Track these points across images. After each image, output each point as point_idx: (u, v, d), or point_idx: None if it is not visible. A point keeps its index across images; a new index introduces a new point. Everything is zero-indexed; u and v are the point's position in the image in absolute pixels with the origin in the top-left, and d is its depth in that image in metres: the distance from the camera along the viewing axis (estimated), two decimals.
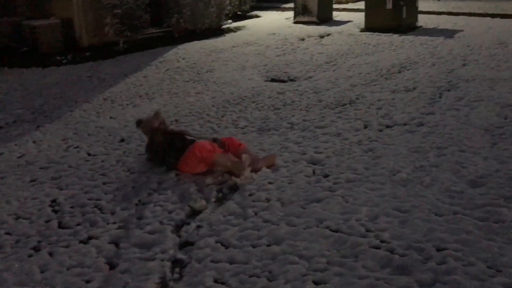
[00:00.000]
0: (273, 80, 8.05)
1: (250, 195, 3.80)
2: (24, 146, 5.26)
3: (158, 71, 8.81)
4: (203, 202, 3.68)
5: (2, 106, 6.95)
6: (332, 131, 5.18)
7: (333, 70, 8.36)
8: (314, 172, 4.15)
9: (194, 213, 3.62)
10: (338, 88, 7.08)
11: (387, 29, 11.37)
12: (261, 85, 7.63)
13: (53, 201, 3.93)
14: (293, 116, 5.86)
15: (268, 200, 3.70)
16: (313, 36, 11.52)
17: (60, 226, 3.55)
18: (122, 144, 5.18)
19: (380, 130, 5.15)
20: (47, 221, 3.61)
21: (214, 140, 4.49)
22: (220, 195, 3.85)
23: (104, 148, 5.09)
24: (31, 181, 4.34)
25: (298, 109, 6.14)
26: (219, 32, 12.80)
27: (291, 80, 7.96)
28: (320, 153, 4.56)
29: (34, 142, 5.38)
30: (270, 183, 3.99)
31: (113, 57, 10.26)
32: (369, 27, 11.82)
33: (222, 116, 6.04)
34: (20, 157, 4.97)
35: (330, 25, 12.85)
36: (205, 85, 7.76)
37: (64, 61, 9.81)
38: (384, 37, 10.89)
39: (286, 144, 4.87)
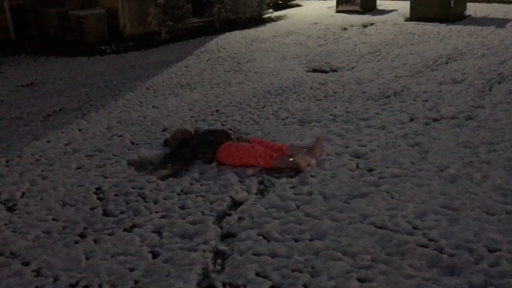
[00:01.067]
0: (314, 70, 7.94)
1: (292, 187, 3.75)
2: (70, 133, 5.37)
3: (199, 60, 8.84)
4: (245, 194, 3.66)
5: (50, 94, 7.14)
6: (376, 123, 5.05)
7: (377, 61, 8.17)
8: (357, 166, 4.06)
9: (235, 204, 3.61)
10: (382, 79, 6.91)
11: (434, 19, 11.02)
12: (302, 75, 7.54)
13: (98, 188, 3.99)
14: (335, 107, 5.76)
15: (310, 193, 3.64)
16: (356, 26, 11.29)
17: (105, 213, 3.61)
18: (165, 133, 5.22)
19: (427, 124, 4.99)
20: (92, 208, 3.67)
21: (238, 138, 4.47)
22: (261, 187, 3.82)
23: (147, 137, 5.14)
24: (77, 168, 4.43)
25: (340, 101, 6.03)
26: (260, 21, 12.73)
27: (333, 70, 7.82)
28: (364, 146, 4.46)
29: (80, 130, 5.49)
30: (312, 176, 3.92)
31: (156, 46, 10.37)
32: (414, 16, 11.49)
33: (263, 107, 6.00)
34: (66, 144, 5.08)
35: (374, 14, 12.57)
36: (246, 75, 7.73)
37: (108, 50, 9.98)
38: (430, 27, 10.55)
39: (329, 136, 4.78)
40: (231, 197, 3.66)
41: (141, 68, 8.53)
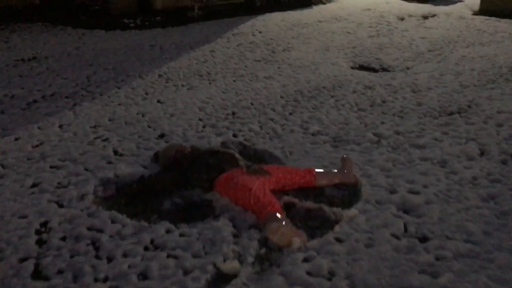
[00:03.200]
0: (361, 67, 6.64)
1: (306, 260, 2.56)
2: (47, 130, 4.35)
3: (228, 45, 7.66)
4: (235, 264, 2.50)
5: (47, 74, 6.16)
6: (435, 155, 3.76)
7: (438, 62, 6.77)
8: (406, 229, 2.82)
9: (219, 278, 2.45)
10: (444, 87, 5.55)
11: (509, 14, 9.34)
12: (345, 73, 6.25)
13: (44, 224, 2.94)
14: (382, 123, 4.49)
15: (331, 275, 2.45)
16: (415, 16, 9.79)
17: (36, 271, 2.55)
18: (160, 141, 4.11)
19: (504, 162, 3.66)
20: (21, 260, 2.62)
21: (248, 167, 3.25)
22: (263, 250, 2.64)
23: (136, 145, 4.05)
24: (32, 186, 3.40)
25: (389, 114, 4.74)
26: (306, 2, 11.37)
27: (384, 69, 6.50)
28: (417, 193, 3.20)
29: (60, 126, 4.47)
30: (338, 240, 2.72)
31: (185, 24, 9.27)
32: (485, 9, 9.83)
33: (290, 114, 4.79)
34: (36, 146, 4.06)
35: (436, 4, 10.97)
36: (278, 67, 6.51)
37: (131, 25, 8.94)
38: (505, 24, 8.95)
39: (369, 169, 3.54)
40: (215, 265, 2.51)
41: (161, 49, 7.44)
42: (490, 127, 4.36)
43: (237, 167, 3.23)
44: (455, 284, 2.34)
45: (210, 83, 5.82)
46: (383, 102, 5.09)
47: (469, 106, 4.92)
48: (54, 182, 3.41)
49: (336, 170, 3.41)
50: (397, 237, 2.73)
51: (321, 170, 3.38)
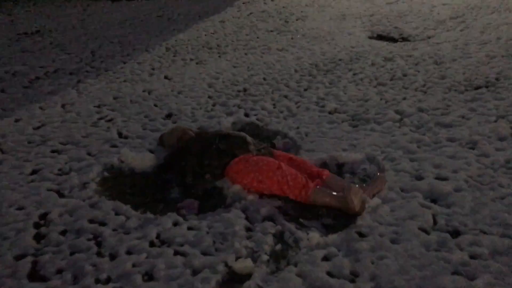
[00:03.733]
0: (379, 37, 6.28)
1: (326, 258, 2.33)
2: (49, 111, 4.13)
3: (239, 14, 7.31)
4: (248, 263, 2.28)
5: (50, 48, 5.90)
6: (463, 136, 3.47)
7: (461, 30, 6.37)
8: (435, 221, 2.57)
9: (230, 279, 2.24)
10: (469, 58, 5.19)
11: None
12: (363, 43, 5.91)
13: (44, 216, 2.74)
14: (404, 99, 4.19)
15: (354, 276, 2.22)
16: None
17: (33, 269, 2.36)
18: (167, 122, 3.87)
19: None
20: (17, 258, 2.43)
21: (259, 150, 3.02)
22: (278, 246, 2.42)
23: (142, 126, 3.81)
24: (32, 173, 3.19)
25: (411, 89, 4.43)
26: None
27: (404, 39, 6.14)
28: (445, 179, 2.94)
29: (63, 106, 4.24)
30: (360, 234, 2.48)
31: None
32: None
33: (305, 90, 4.50)
34: (38, 127, 3.85)
35: None
36: (292, 38, 6.17)
37: None
38: None
39: (392, 152, 3.27)
40: (226, 264, 2.30)
41: (169, 20, 7.11)
42: None
43: (247, 152, 2.98)
44: (493, 287, 2.09)
45: (220, 56, 5.52)
46: (404, 75, 4.77)
47: (497, 79, 4.58)
48: (55, 169, 3.21)
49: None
50: (426, 231, 2.48)
51: (334, 178, 2.90)
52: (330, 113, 4.01)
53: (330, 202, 2.63)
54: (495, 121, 3.69)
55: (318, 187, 2.72)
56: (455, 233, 2.47)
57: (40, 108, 4.21)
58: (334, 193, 2.66)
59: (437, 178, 2.94)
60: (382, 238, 2.43)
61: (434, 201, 2.76)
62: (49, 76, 5.00)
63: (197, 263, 2.31)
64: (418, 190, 2.83)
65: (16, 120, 3.97)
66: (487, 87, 4.40)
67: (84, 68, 5.19)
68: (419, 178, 2.96)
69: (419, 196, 2.77)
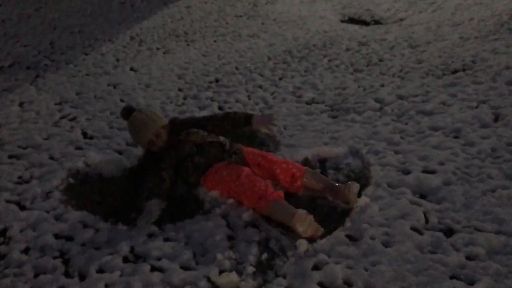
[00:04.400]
0: (351, 20, 6.13)
1: (316, 267, 2.17)
2: (5, 110, 3.82)
3: (206, 0, 7.01)
4: (233, 277, 2.09)
5: (5, 40, 5.51)
6: (446, 123, 3.35)
7: (433, 11, 6.27)
8: (427, 220, 2.43)
9: None
10: (443, 41, 5.08)
11: None
12: (336, 27, 5.74)
13: (3, 232, 2.47)
14: (382, 86, 4.05)
15: (348, 285, 2.07)
16: None
17: None
18: None
19: None
20: None
21: (229, 157, 2.78)
22: (264, 256, 2.24)
23: (108, 124, 3.55)
24: None
25: (389, 74, 4.29)
26: None
27: (376, 22, 6.00)
28: (433, 172, 2.81)
29: (20, 104, 3.92)
30: (351, 238, 2.33)
31: None
32: None
33: (280, 79, 4.31)
34: None
35: None
36: (262, 23, 5.95)
37: None
38: None
39: (375, 144, 3.13)
40: (209, 280, 2.10)
41: (132, 6, 6.76)
42: (500, 85, 3.94)
43: (223, 160, 2.74)
44: None
45: (188, 44, 5.26)
46: (380, 60, 4.63)
47: (473, 62, 4.48)
48: (14, 177, 2.93)
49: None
50: (419, 231, 2.35)
51: (313, 174, 2.68)
52: (307, 103, 3.84)
53: (283, 221, 2.39)
54: (477, 107, 3.59)
55: (276, 201, 2.43)
56: (449, 232, 2.34)
57: None
58: (289, 211, 2.37)
59: (424, 171, 2.81)
60: (374, 241, 2.28)
61: (423, 196, 2.63)
62: (5, 71, 4.64)
63: (176, 280, 2.11)
64: (406, 186, 2.69)
65: None
66: (464, 70, 4.30)
67: (42, 61, 4.85)
68: (406, 172, 2.82)
69: (407, 192, 2.64)
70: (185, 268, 2.18)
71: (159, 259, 2.24)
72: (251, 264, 2.18)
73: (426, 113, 3.54)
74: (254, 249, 2.27)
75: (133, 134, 2.76)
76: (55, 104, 3.90)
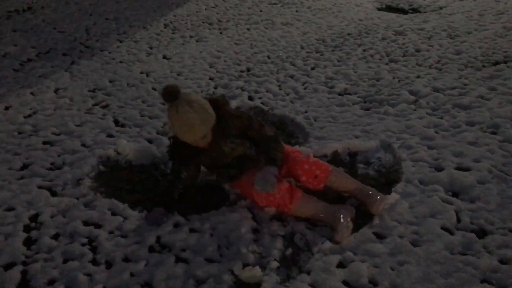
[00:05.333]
0: (388, 8, 5.95)
1: (341, 264, 2.13)
2: (41, 96, 3.90)
3: None
4: (256, 272, 2.08)
5: (42, 27, 5.61)
6: (483, 118, 3.22)
7: None
8: (458, 219, 2.35)
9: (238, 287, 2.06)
10: (485, 31, 4.88)
11: None
12: (372, 16, 5.59)
13: (35, 217, 2.54)
14: (417, 77, 3.92)
15: (373, 284, 2.02)
16: None
17: (23, 280, 2.17)
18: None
19: None
20: (5, 267, 2.24)
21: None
22: (289, 251, 2.22)
23: (139, 112, 3.58)
24: (22, 167, 2.98)
25: (425, 66, 4.15)
26: None
27: (414, 10, 5.81)
28: (467, 170, 2.71)
29: (55, 91, 4.00)
30: (378, 236, 2.27)
31: None
32: None
33: (313, 69, 4.24)
34: (29, 116, 3.62)
35: None
36: (297, 11, 5.85)
37: None
38: None
39: (408, 139, 3.04)
40: (233, 273, 2.10)
41: None
42: None
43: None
44: None
45: (221, 32, 5.23)
46: (417, 51, 4.49)
47: None
48: (47, 163, 2.99)
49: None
50: (449, 231, 2.27)
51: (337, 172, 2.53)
52: (340, 94, 3.76)
53: (322, 219, 2.33)
54: None
55: (299, 200, 2.35)
56: (482, 233, 2.26)
57: (32, 93, 3.97)
58: (330, 211, 2.32)
59: (458, 169, 2.72)
60: (402, 240, 2.22)
61: (456, 194, 2.54)
62: (41, 57, 4.74)
63: (200, 272, 2.12)
64: (439, 183, 2.61)
65: (6, 108, 3.74)
66: (505, 62, 4.12)
67: (78, 47, 4.93)
68: (439, 168, 2.73)
69: (440, 190, 2.55)
70: (209, 260, 2.18)
71: (183, 250, 2.25)
72: (275, 259, 2.16)
73: (463, 107, 3.41)
74: (279, 244, 2.25)
75: (178, 130, 2.31)
76: (89, 91, 3.95)
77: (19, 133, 3.38)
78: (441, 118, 3.29)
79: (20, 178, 2.86)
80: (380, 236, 2.27)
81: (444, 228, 2.29)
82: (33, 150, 3.14)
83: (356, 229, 2.32)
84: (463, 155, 2.84)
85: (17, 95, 3.93)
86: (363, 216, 2.40)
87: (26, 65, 4.59)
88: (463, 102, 3.46)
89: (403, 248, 2.17)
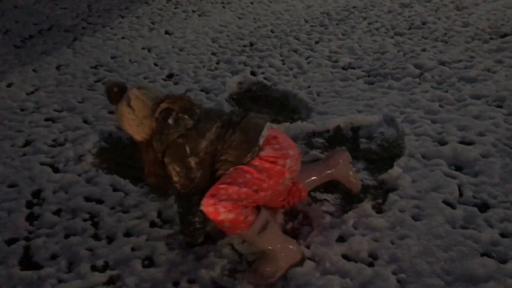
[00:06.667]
0: None
1: (341, 238, 2.13)
2: (43, 73, 3.88)
3: None
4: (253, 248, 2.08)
5: (44, 3, 5.56)
6: (489, 92, 3.17)
7: None
8: (461, 193, 2.34)
9: (236, 261, 2.06)
10: (494, 2, 4.77)
11: None
12: None
13: (37, 193, 2.56)
14: (423, 50, 3.86)
15: (373, 257, 2.02)
16: None
17: (26, 254, 2.19)
18: (168, 83, 3.61)
19: None
20: (9, 242, 2.26)
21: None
22: (289, 225, 2.21)
23: None
24: (25, 144, 2.99)
25: (431, 38, 4.07)
26: None
27: None
28: (471, 143, 2.68)
29: (58, 67, 3.99)
30: (378, 210, 2.26)
31: None
32: None
33: (317, 42, 4.17)
34: (32, 92, 3.62)
35: None
36: None
37: None
38: None
39: (412, 113, 3.00)
40: (233, 247, 2.11)
41: None
42: None
43: None
44: None
45: (224, 7, 5.16)
46: (423, 23, 4.40)
47: None
48: (49, 139, 3.00)
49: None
50: (451, 205, 2.26)
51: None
52: (343, 68, 3.71)
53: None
54: None
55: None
56: (484, 207, 2.24)
57: (34, 70, 3.96)
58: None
59: (462, 142, 2.69)
60: (403, 214, 2.21)
61: (459, 168, 2.52)
62: (43, 34, 4.71)
63: (199, 248, 2.12)
64: (442, 157, 2.58)
65: (8, 85, 3.74)
66: None
67: (80, 24, 4.89)
68: (443, 142, 2.70)
69: (443, 164, 2.53)
70: (207, 235, 2.18)
71: None
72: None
73: (469, 80, 3.36)
74: (280, 218, 2.24)
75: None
76: (91, 67, 3.93)
77: (22, 110, 3.38)
78: (446, 91, 3.24)
79: (23, 154, 2.87)
80: (380, 210, 2.26)
81: (446, 202, 2.27)
82: (35, 127, 3.14)
83: (355, 201, 2.31)
84: (467, 128, 2.80)
85: (19, 72, 3.92)
86: (363, 191, 2.38)
87: (28, 41, 4.57)
88: (469, 75, 3.40)
89: (403, 222, 2.17)
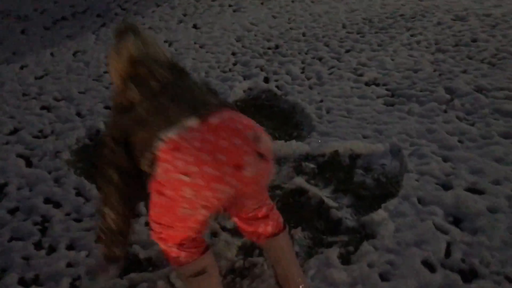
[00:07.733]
0: None
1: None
2: (59, 57, 3.85)
3: None
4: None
5: None
6: None
7: None
8: (448, 253, 1.98)
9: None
10: None
11: None
12: None
13: (1, 187, 2.47)
14: (463, 72, 3.42)
15: None
16: None
17: None
18: None
19: None
20: None
21: None
22: (240, 263, 1.97)
23: None
24: (11, 132, 2.93)
25: (477, 59, 3.62)
26: None
27: None
28: (480, 192, 2.28)
29: (75, 53, 3.93)
30: (343, 260, 1.96)
31: None
32: None
33: (347, 52, 3.84)
34: (40, 77, 3.58)
35: None
36: None
37: None
38: None
39: (423, 146, 2.63)
40: (220, 226, 1.90)
41: None
42: None
43: None
44: None
45: (262, 3, 4.91)
46: (473, 41, 3.92)
47: None
48: (35, 130, 2.93)
49: None
50: (431, 267, 1.91)
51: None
52: (366, 84, 3.37)
53: None
54: None
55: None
56: (470, 275, 1.88)
57: (51, 54, 3.94)
58: None
59: (469, 190, 2.30)
60: (371, 270, 1.90)
61: (457, 221, 2.14)
62: (76, 17, 4.71)
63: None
64: (440, 204, 2.22)
65: (22, 67, 3.73)
66: None
67: (114, 10, 4.84)
68: (447, 187, 2.33)
69: (438, 213, 2.17)
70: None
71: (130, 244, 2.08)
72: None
73: (504, 113, 2.91)
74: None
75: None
76: (105, 56, 3.84)
77: (24, 95, 3.35)
78: (472, 124, 2.82)
79: (6, 143, 2.82)
80: (346, 261, 1.95)
81: (425, 263, 1.93)
82: (28, 115, 3.09)
83: (316, 252, 2.02)
84: (482, 173, 2.40)
85: (37, 54, 3.91)
86: (328, 233, 2.09)
87: (58, 23, 4.57)
88: (506, 108, 2.95)
89: (367, 280, 1.85)
